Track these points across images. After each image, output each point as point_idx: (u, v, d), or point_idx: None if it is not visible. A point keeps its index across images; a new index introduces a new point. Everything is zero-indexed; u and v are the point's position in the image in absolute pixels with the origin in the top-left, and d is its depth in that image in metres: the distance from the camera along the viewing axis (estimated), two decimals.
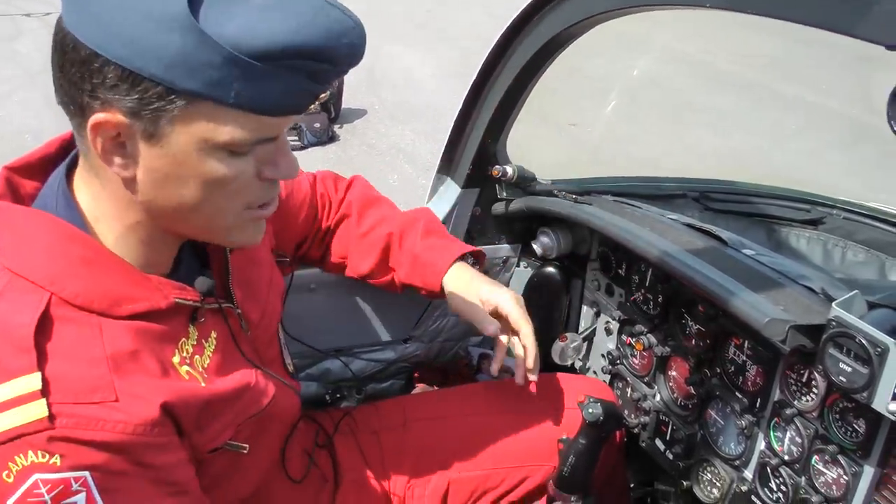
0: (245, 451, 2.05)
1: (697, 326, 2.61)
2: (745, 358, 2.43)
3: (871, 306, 2.04)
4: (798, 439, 2.28)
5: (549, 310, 3.27)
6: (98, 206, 1.69)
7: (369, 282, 2.82)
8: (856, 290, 2.06)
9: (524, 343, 2.57)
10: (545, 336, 3.21)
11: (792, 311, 2.11)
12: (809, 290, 2.26)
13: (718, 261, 2.43)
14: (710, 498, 2.62)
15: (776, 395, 2.35)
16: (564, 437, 2.61)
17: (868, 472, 2.12)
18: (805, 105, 11.23)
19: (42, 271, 1.61)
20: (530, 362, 2.57)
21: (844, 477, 2.17)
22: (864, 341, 1.90)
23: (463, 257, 2.67)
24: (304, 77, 1.52)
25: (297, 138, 9.78)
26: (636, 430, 2.94)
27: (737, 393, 2.48)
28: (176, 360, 1.78)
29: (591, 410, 2.48)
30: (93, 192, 1.68)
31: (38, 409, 1.50)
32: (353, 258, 2.78)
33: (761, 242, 3.28)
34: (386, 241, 2.71)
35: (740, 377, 2.46)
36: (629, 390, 2.96)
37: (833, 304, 2.00)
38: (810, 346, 2.07)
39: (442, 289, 2.62)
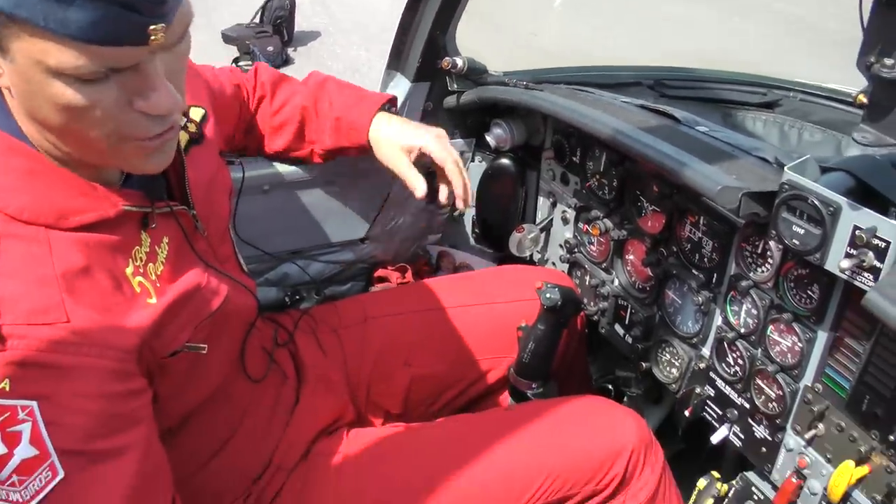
0: (204, 352, 2.01)
1: (652, 207, 2.58)
2: (700, 234, 2.41)
3: (825, 171, 2.01)
4: (754, 311, 2.28)
5: (506, 202, 3.23)
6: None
7: (288, 156, 2.81)
8: (808, 155, 2.03)
9: (451, 178, 2.56)
10: (502, 229, 3.19)
11: (745, 179, 2.08)
12: (763, 161, 2.23)
13: (671, 137, 2.39)
14: (670, 377, 2.63)
15: (732, 268, 2.34)
16: (523, 324, 2.60)
17: (822, 337, 2.12)
18: (777, 13, 11.12)
19: None
20: (459, 189, 2.58)
21: (799, 344, 2.17)
22: (816, 202, 1.87)
23: (382, 107, 2.65)
24: (116, 6, 1.38)
25: (249, 62, 9.57)
26: (596, 317, 2.93)
27: (693, 270, 2.46)
28: (129, 270, 1.71)
29: (548, 296, 2.47)
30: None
31: None
32: (270, 136, 2.75)
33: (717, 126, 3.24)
34: (301, 114, 2.68)
35: (696, 254, 2.44)
36: (587, 278, 2.95)
37: (786, 167, 1.97)
38: (764, 213, 2.04)
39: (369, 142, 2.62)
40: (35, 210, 1.56)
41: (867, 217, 1.82)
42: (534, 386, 2.57)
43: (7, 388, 1.44)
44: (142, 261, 1.75)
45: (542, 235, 3.17)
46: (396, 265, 3.46)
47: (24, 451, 1.47)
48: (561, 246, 3.07)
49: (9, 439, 1.46)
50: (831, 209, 1.85)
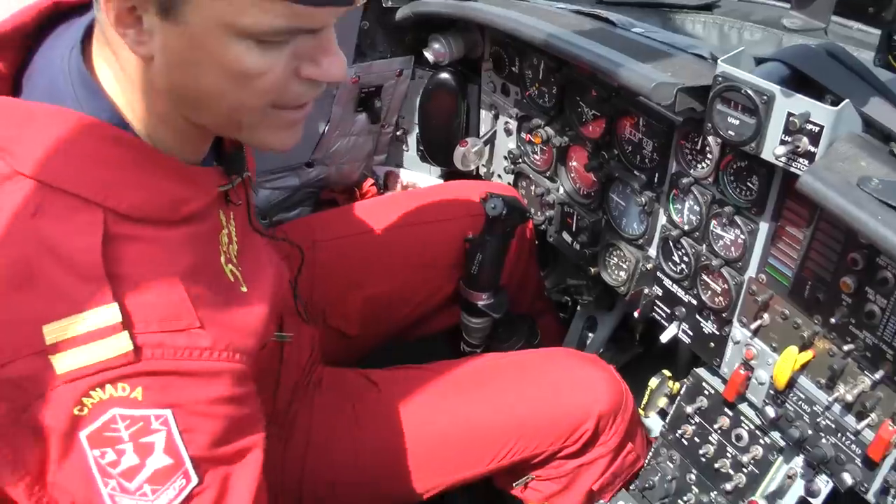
0: (289, 340, 2.01)
1: (592, 111, 2.57)
2: (640, 136, 2.41)
3: (759, 62, 2.01)
4: (696, 208, 2.29)
5: (448, 117, 3.20)
6: (124, 93, 1.47)
7: None
8: (742, 48, 2.02)
9: None
10: (446, 144, 3.17)
11: (680, 75, 2.08)
12: (698, 57, 2.22)
13: (607, 40, 2.37)
14: (618, 280, 2.65)
15: (673, 167, 2.34)
16: (470, 235, 2.59)
17: (763, 228, 2.14)
18: None
19: (90, 183, 1.40)
20: None
21: (742, 237, 2.19)
22: (749, 92, 1.87)
23: None
24: None
25: None
26: (543, 227, 2.93)
27: (635, 172, 2.47)
28: (222, 260, 1.64)
29: (492, 205, 2.46)
30: (114, 73, 1.47)
31: (122, 343, 1.34)
32: None
33: None
34: None
35: (637, 156, 2.44)
36: (533, 187, 2.94)
37: (719, 60, 1.96)
38: (700, 108, 2.04)
39: None
40: (147, 206, 1.45)
41: (800, 103, 1.83)
42: (484, 297, 2.58)
43: (140, 398, 1.37)
44: (226, 245, 1.67)
45: (486, 148, 3.16)
46: (343, 187, 3.44)
47: (157, 460, 1.41)
48: (505, 157, 3.06)
49: (141, 450, 1.40)
50: (765, 98, 1.85)
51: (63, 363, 1.32)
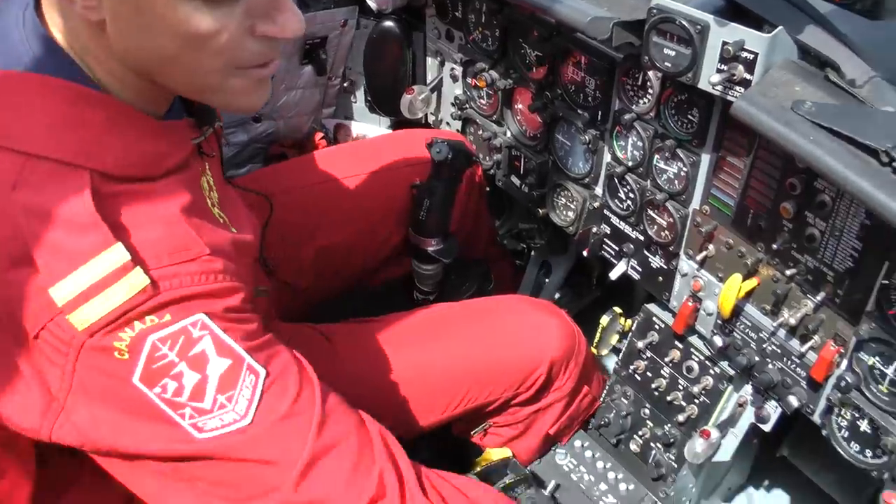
0: (268, 295, 1.99)
1: (535, 52, 2.57)
2: (582, 74, 2.41)
3: None
4: (639, 143, 2.31)
5: (394, 66, 3.18)
6: (83, 55, 1.44)
7: None
8: None
9: None
10: (393, 93, 3.15)
11: (616, 9, 2.07)
12: None
13: None
14: (567, 220, 2.66)
15: (615, 104, 2.35)
16: (417, 181, 2.59)
17: (705, 159, 2.16)
18: None
19: (70, 146, 1.37)
20: None
21: (685, 169, 2.21)
22: (684, 22, 1.88)
23: None
24: None
25: None
26: (492, 171, 2.93)
27: (579, 111, 2.47)
28: (209, 202, 1.64)
29: (437, 150, 2.46)
30: (70, 35, 1.43)
31: (138, 279, 1.33)
32: None
33: None
34: None
35: (580, 94, 2.45)
36: (480, 132, 2.94)
37: None
38: (637, 42, 2.04)
39: None
40: (130, 163, 1.44)
41: (734, 31, 1.84)
42: (433, 242, 2.58)
43: (170, 319, 1.38)
44: (207, 191, 1.67)
45: (433, 96, 3.14)
46: (293, 142, 3.42)
47: (216, 366, 1.43)
48: (452, 104, 3.05)
49: (196, 363, 1.41)
50: (699, 27, 1.86)
51: (81, 317, 1.32)
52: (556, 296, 3.27)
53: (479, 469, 2.47)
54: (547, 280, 3.19)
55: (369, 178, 2.74)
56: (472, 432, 2.57)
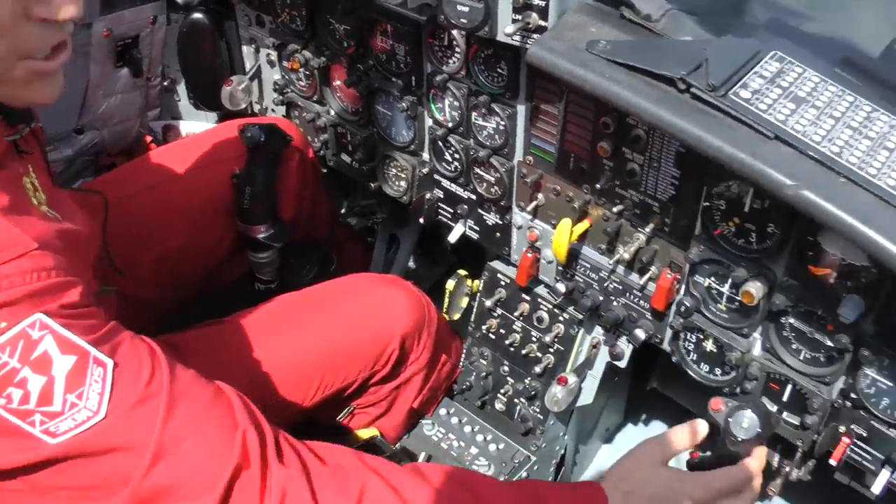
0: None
1: (343, 26, 2.52)
2: (391, 42, 2.38)
3: None
4: (456, 103, 2.30)
5: (209, 58, 3.08)
6: None
7: None
8: None
9: None
10: (213, 85, 3.06)
11: None
12: None
13: None
14: (400, 190, 2.64)
15: (427, 67, 2.34)
16: (235, 170, 2.53)
17: (521, 110, 2.17)
18: None
19: None
20: None
21: (502, 123, 2.22)
22: None
23: None
24: None
25: None
26: (322, 152, 2.88)
27: (393, 79, 2.45)
28: (35, 202, 1.53)
29: (248, 135, 2.41)
30: None
31: None
32: None
33: None
34: None
35: (392, 62, 2.42)
36: (305, 114, 2.88)
37: None
38: (434, 3, 2.02)
39: None
40: None
41: None
42: (262, 229, 2.52)
43: (5, 325, 1.28)
44: (31, 191, 1.56)
45: (254, 84, 3.07)
46: (120, 149, 3.29)
47: (61, 365, 1.34)
48: (274, 90, 2.98)
49: (39, 365, 1.32)
50: None
51: None
52: (412, 266, 3.26)
53: None
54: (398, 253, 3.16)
55: (194, 177, 2.65)
56: (337, 418, 2.53)
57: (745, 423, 1.75)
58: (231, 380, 2.21)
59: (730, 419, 1.75)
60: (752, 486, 1.90)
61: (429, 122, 2.43)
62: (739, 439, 1.75)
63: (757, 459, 1.89)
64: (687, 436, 1.93)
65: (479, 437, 2.62)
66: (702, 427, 1.93)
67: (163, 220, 2.59)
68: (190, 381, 1.59)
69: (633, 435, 3.43)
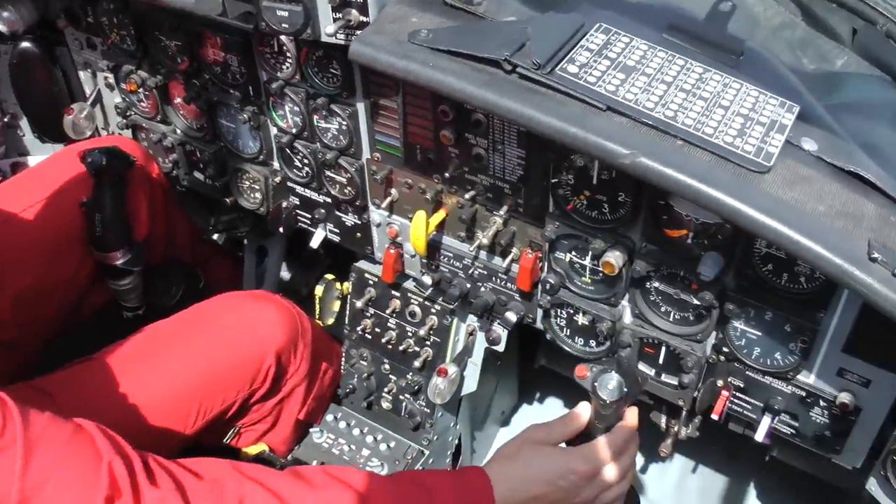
0: None
1: (173, 42, 2.45)
2: (223, 53, 2.33)
3: None
4: (296, 108, 2.26)
5: (46, 87, 2.95)
6: None
7: None
8: None
9: None
10: (53, 115, 2.95)
11: None
12: None
13: None
14: (256, 202, 2.59)
15: (262, 76, 2.29)
16: (83, 199, 2.44)
17: (360, 108, 2.15)
18: None
19: None
20: None
21: (344, 123, 2.19)
22: None
23: None
24: None
25: None
26: (174, 172, 2.80)
27: (230, 90, 2.39)
28: None
29: (90, 160, 2.32)
30: None
31: None
32: None
33: None
34: None
35: (228, 74, 2.37)
36: (151, 135, 2.80)
37: None
38: (253, 10, 1.97)
39: None
40: None
41: None
42: (119, 255, 2.44)
43: None
44: None
45: (96, 110, 2.96)
46: None
47: None
48: (117, 112, 2.88)
49: None
50: None
51: None
52: (286, 276, 3.20)
53: None
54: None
55: (41, 210, 2.53)
56: (223, 440, 2.47)
57: (611, 384, 1.76)
58: (105, 417, 2.13)
59: (596, 383, 1.76)
60: (631, 446, 1.94)
61: (273, 130, 2.39)
62: (608, 402, 1.76)
63: (630, 420, 1.92)
64: (567, 425, 1.95)
65: (370, 438, 2.60)
66: (580, 413, 1.95)
67: (14, 259, 2.47)
68: (45, 423, 1.53)
69: (529, 414, 3.45)
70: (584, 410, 1.94)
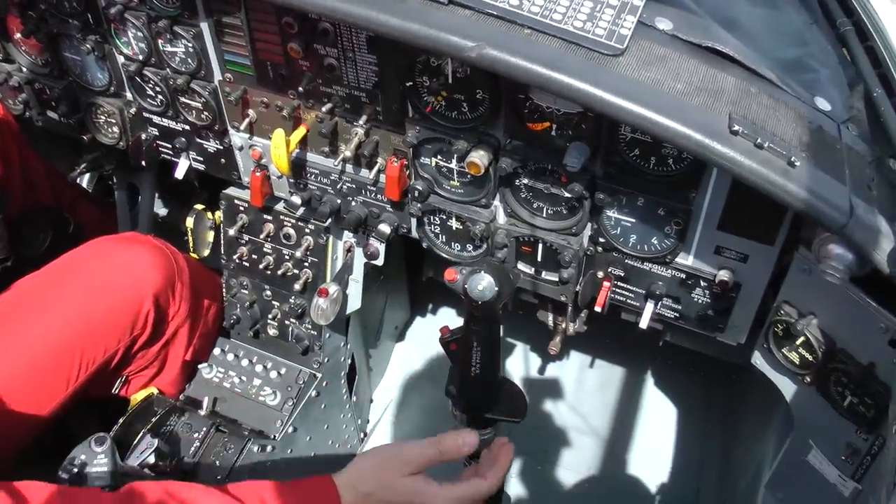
0: None
1: None
2: None
3: None
4: (139, 33, 2.17)
5: None
6: None
7: None
8: None
9: None
10: None
11: None
12: None
13: None
14: (114, 136, 2.49)
15: (101, 1, 2.16)
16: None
17: (204, 28, 2.07)
18: None
19: None
20: None
21: (190, 45, 2.10)
22: None
23: None
24: None
25: None
26: (26, 113, 2.65)
27: (70, 20, 2.26)
28: None
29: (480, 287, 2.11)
30: None
31: None
32: None
33: None
34: None
35: (65, 2, 2.23)
36: None
37: None
38: None
39: None
40: None
41: None
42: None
43: None
44: None
45: None
46: None
47: None
48: None
49: None
50: None
51: None
52: (163, 213, 3.11)
53: (125, 418, 2.31)
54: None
55: None
56: (112, 390, 2.40)
57: (482, 285, 1.68)
58: None
59: (466, 285, 1.71)
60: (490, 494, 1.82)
61: (120, 59, 2.28)
62: (480, 303, 1.71)
63: (498, 469, 1.81)
64: (430, 453, 1.78)
65: (259, 368, 2.56)
66: (448, 444, 1.79)
67: None
68: None
69: (422, 326, 3.47)
70: (451, 442, 1.79)
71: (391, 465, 1.75)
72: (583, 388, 3.30)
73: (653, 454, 3.13)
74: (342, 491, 1.71)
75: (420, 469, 1.74)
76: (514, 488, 3.03)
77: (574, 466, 3.13)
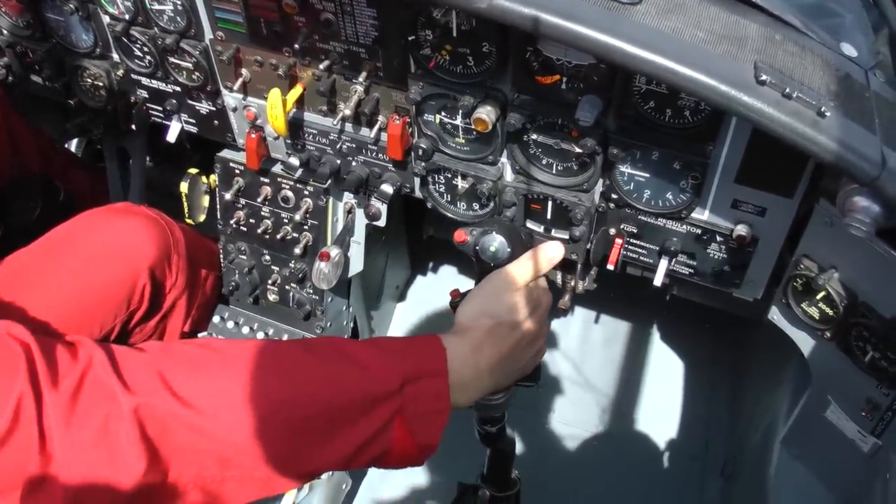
0: None
1: None
2: None
3: None
4: None
5: None
6: None
7: None
8: None
9: None
10: None
11: None
12: None
13: None
14: (102, 99, 2.41)
15: None
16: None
17: None
18: None
19: None
20: None
21: (178, 1, 2.02)
22: None
23: None
24: None
25: None
26: (8, 78, 2.56)
27: None
28: None
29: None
30: None
31: None
32: None
33: None
34: None
35: None
36: None
37: None
38: None
39: None
40: None
41: None
42: None
43: None
44: None
45: None
46: None
47: None
48: None
49: None
50: None
51: None
52: (156, 177, 3.03)
53: None
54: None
55: None
56: None
57: (494, 245, 1.63)
58: None
59: (477, 247, 1.65)
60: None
61: (105, 18, 2.19)
62: (493, 265, 1.66)
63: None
64: (533, 264, 1.65)
65: (260, 334, 2.51)
66: (550, 251, 1.67)
67: None
68: None
69: (423, 285, 3.42)
70: (552, 251, 1.67)
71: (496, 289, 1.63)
72: (588, 344, 3.26)
73: (660, 409, 3.11)
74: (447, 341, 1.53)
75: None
76: (521, 446, 3.00)
77: (581, 423, 3.11)
